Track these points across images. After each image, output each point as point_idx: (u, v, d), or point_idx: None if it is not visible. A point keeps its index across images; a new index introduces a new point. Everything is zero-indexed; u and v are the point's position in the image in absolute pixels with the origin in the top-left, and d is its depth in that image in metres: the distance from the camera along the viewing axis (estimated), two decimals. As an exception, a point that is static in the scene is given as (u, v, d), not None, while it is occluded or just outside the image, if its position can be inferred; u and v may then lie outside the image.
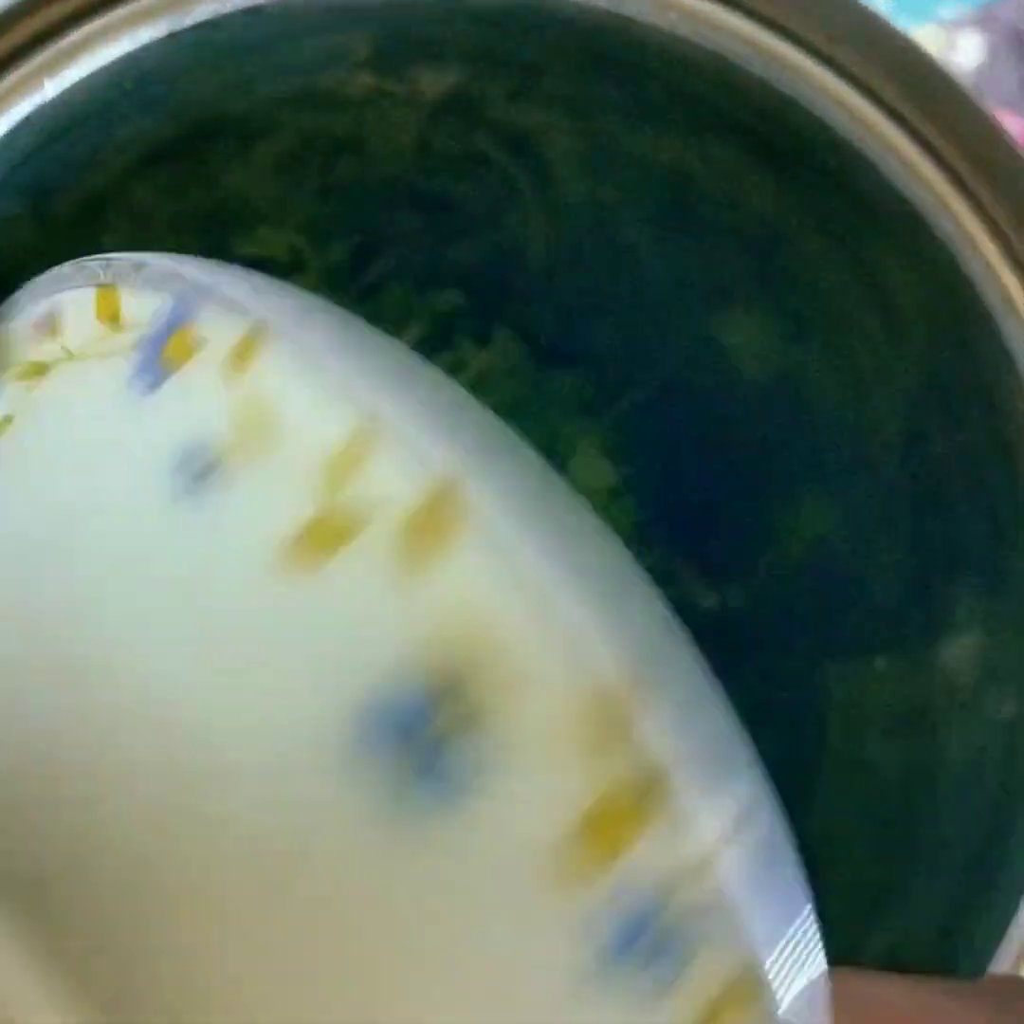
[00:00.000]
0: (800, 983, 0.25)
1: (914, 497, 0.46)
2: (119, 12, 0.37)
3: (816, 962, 0.27)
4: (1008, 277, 0.39)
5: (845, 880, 0.48)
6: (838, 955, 0.43)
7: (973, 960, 0.39)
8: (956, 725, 0.43)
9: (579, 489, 0.58)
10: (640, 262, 0.53)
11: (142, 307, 0.28)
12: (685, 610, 0.62)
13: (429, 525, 0.23)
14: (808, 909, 0.26)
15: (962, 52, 0.67)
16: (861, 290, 0.44)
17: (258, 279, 0.29)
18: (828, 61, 0.39)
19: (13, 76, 0.37)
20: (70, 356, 0.28)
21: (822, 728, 0.53)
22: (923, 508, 0.45)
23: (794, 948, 0.25)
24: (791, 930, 0.25)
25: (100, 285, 0.29)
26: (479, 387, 0.59)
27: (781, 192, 0.44)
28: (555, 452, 0.59)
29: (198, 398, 0.25)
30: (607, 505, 0.59)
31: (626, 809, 0.23)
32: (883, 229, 0.41)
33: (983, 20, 0.67)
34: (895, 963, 0.43)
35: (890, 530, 0.48)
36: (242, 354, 0.25)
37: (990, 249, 0.39)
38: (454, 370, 0.60)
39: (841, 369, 0.47)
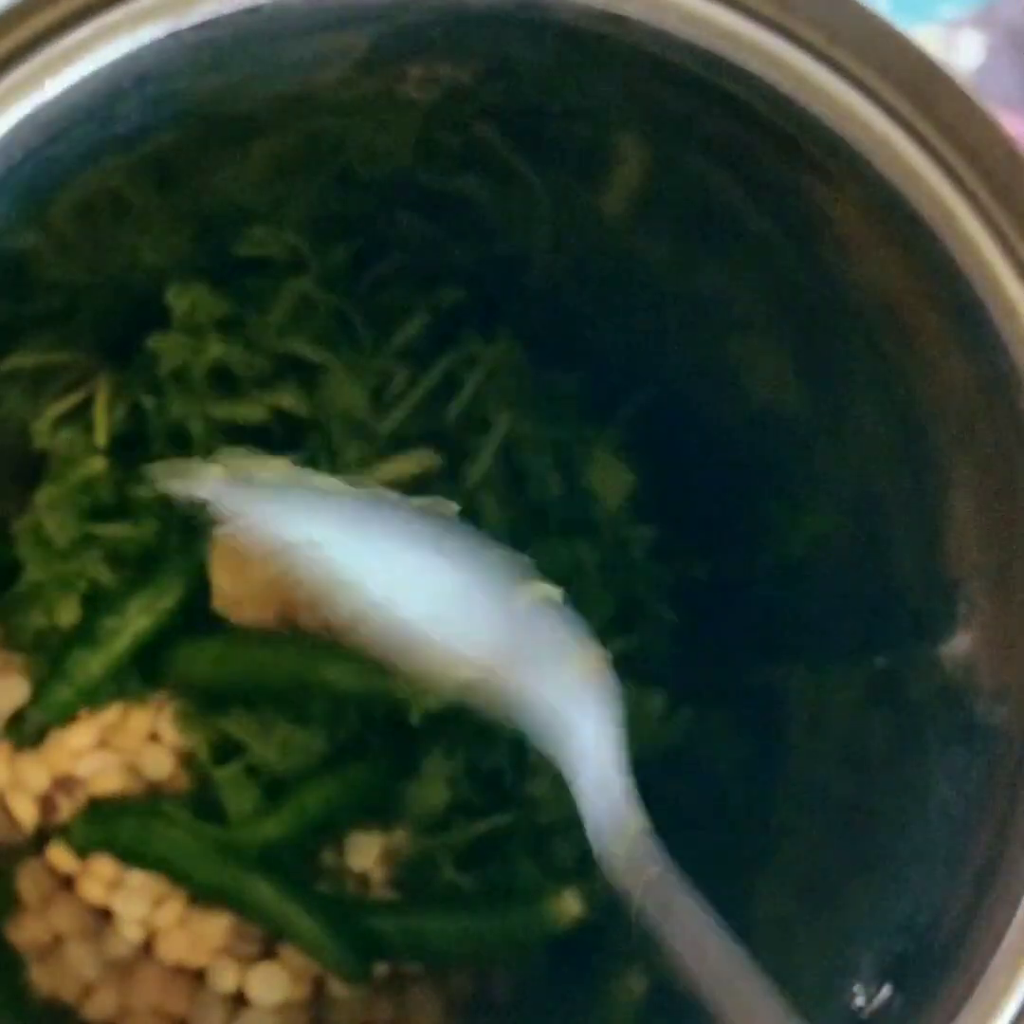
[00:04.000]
0: None
1: (916, 501, 0.46)
2: (119, 12, 0.37)
3: None
4: (1008, 278, 0.39)
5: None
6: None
7: (970, 970, 0.39)
8: (949, 727, 0.44)
9: (596, 495, 0.59)
10: (651, 275, 0.53)
11: None
12: (693, 608, 0.63)
13: None
14: None
15: (962, 52, 0.67)
16: (864, 310, 0.43)
17: None
18: (828, 61, 0.39)
19: (15, 75, 0.37)
20: None
21: (817, 722, 0.54)
22: (925, 512, 0.45)
23: None
24: None
25: None
26: (489, 383, 0.60)
27: (785, 207, 0.43)
28: (573, 455, 0.60)
29: None
30: (621, 512, 0.59)
31: None
32: (883, 233, 0.41)
33: (983, 20, 0.67)
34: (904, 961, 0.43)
35: (891, 532, 0.48)
36: None
37: (989, 248, 0.39)
38: (466, 366, 0.60)
39: (846, 388, 0.47)
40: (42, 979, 0.59)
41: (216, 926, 0.61)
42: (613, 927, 0.59)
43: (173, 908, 0.61)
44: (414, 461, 0.59)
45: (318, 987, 0.62)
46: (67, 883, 0.62)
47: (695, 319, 0.54)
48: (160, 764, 0.62)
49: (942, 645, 0.44)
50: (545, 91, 0.45)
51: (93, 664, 0.58)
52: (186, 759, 0.62)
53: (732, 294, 0.51)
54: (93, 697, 0.59)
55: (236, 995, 0.61)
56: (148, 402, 0.59)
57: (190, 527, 0.59)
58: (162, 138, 0.45)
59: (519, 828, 0.59)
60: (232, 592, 0.57)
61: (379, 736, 0.60)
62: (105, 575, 0.58)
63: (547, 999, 0.61)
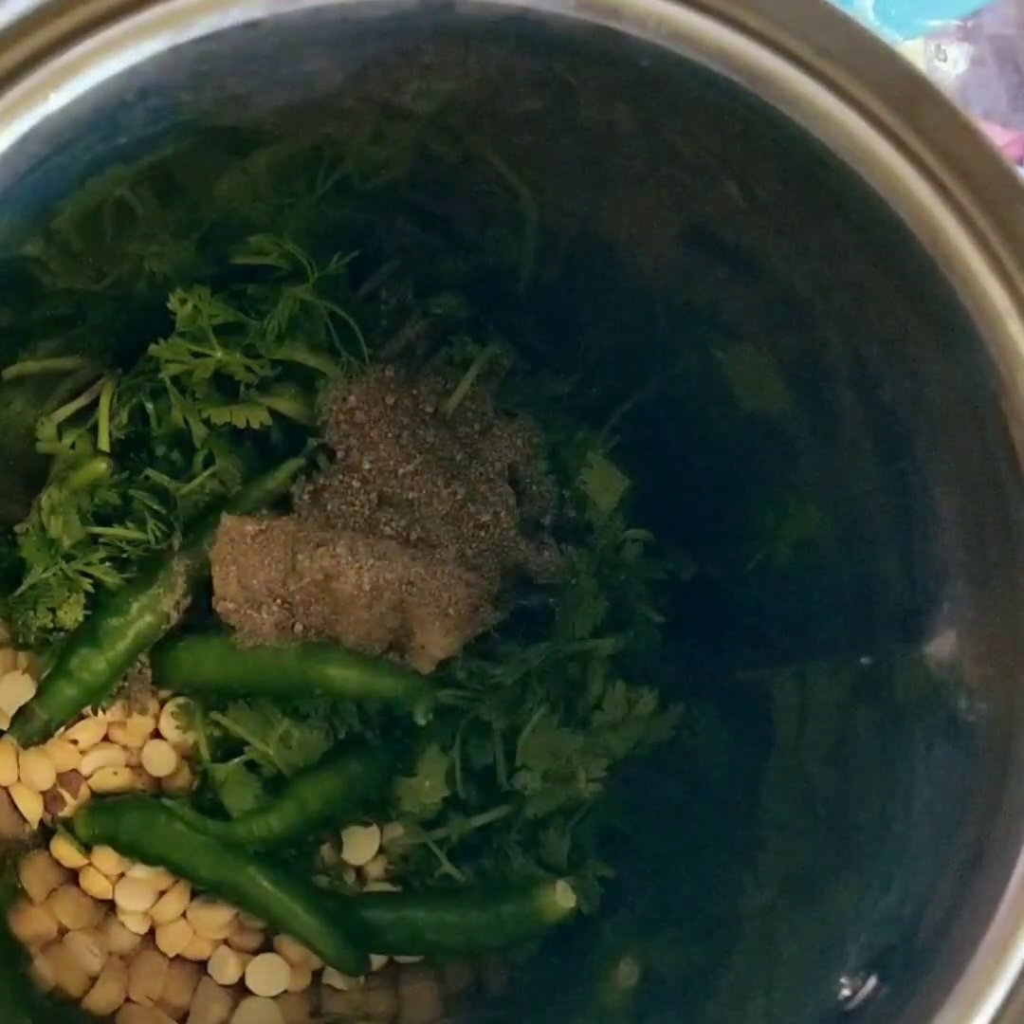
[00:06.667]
0: None
1: (900, 504, 0.46)
2: (122, 26, 0.38)
3: None
4: (991, 285, 0.40)
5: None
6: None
7: (954, 962, 0.40)
8: (932, 724, 0.44)
9: (590, 497, 0.59)
10: (642, 283, 0.54)
11: None
12: (683, 608, 0.63)
13: None
14: None
15: (947, 63, 0.68)
16: (850, 316, 0.44)
17: None
18: (815, 73, 0.39)
19: (19, 88, 0.37)
20: None
21: (804, 719, 0.54)
22: (909, 514, 0.45)
23: None
24: None
25: None
26: (484, 382, 0.60)
27: (773, 217, 0.44)
28: (567, 459, 0.60)
29: None
30: (614, 514, 0.59)
31: None
32: (868, 241, 0.41)
33: (968, 32, 0.67)
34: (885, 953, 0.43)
35: (876, 534, 0.48)
36: None
37: (972, 255, 0.40)
38: (461, 366, 0.61)
39: (832, 393, 0.48)
40: (46, 971, 0.60)
41: (217, 919, 0.61)
42: (606, 918, 0.60)
43: (175, 901, 0.61)
44: (410, 464, 0.59)
45: (317, 978, 0.63)
46: (71, 877, 0.63)
47: (686, 326, 0.54)
48: (162, 761, 0.62)
49: (926, 644, 0.45)
50: (538, 103, 0.45)
51: (97, 663, 0.58)
52: (188, 756, 0.63)
53: (721, 302, 0.51)
54: (97, 695, 0.60)
55: (237, 986, 0.62)
56: (150, 407, 0.60)
57: (192, 529, 0.60)
58: (164, 149, 0.45)
59: (512, 823, 0.59)
60: (232, 593, 0.57)
61: (377, 734, 0.60)
62: (108, 576, 0.59)
63: (541, 989, 0.61)
